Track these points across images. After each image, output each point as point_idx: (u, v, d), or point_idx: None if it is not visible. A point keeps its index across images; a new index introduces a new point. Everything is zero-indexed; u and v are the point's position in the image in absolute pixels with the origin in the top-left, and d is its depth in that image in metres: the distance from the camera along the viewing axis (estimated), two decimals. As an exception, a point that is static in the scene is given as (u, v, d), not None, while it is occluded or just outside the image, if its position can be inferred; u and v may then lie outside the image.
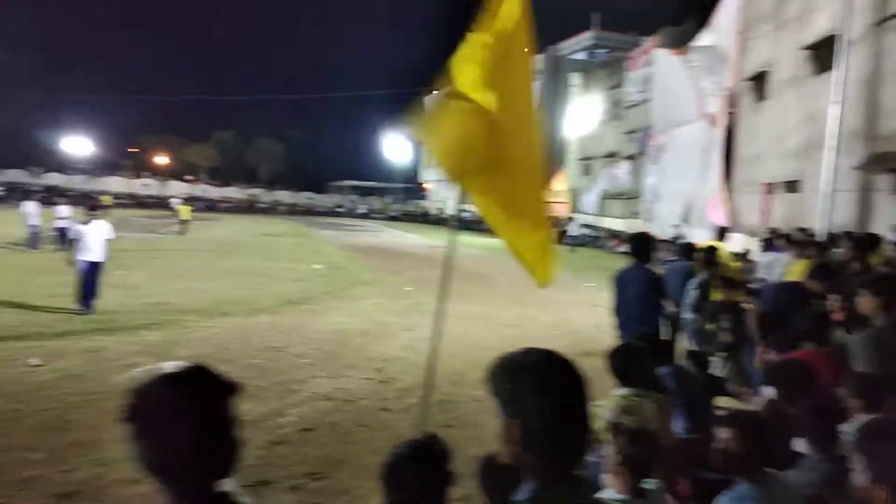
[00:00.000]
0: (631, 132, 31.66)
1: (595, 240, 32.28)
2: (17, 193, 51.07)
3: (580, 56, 43.91)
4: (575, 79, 36.79)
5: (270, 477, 4.26)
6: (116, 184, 57.76)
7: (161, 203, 44.97)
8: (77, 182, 55.69)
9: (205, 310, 9.98)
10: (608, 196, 34.58)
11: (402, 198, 64.20)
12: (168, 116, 67.60)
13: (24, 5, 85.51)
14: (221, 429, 1.16)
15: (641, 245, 5.71)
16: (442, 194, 56.71)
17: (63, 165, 57.63)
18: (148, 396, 1.13)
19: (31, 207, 17.19)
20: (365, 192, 67.55)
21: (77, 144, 55.72)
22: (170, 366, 1.20)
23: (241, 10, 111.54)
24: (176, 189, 58.09)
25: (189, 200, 51.92)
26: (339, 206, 64.00)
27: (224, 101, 61.04)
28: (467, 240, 35.50)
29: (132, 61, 79.09)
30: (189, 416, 1.11)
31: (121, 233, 24.74)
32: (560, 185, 40.72)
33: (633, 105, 31.26)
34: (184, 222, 25.95)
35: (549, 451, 1.27)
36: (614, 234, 30.34)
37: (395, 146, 60.73)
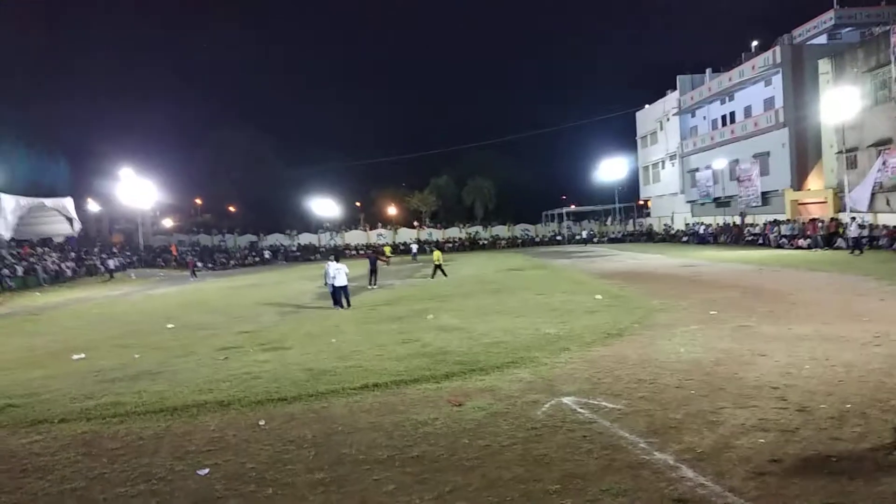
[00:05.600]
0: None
1: (873, 241, 28.60)
2: (280, 255, 59.54)
3: (821, 41, 39.67)
4: (824, 66, 33.23)
5: (791, 510, 4.34)
6: (356, 236, 64.37)
7: (405, 250, 48.97)
8: (325, 239, 63.11)
9: (543, 346, 10.57)
10: (885, 189, 30.28)
11: (621, 218, 62.79)
12: (392, 171, 74.41)
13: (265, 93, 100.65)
14: None
15: None
16: (667, 208, 54.39)
17: (312, 226, 65.70)
18: None
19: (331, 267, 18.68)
20: (579, 217, 67.29)
21: (322, 206, 63.21)
22: None
23: (440, 70, 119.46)
24: (406, 235, 63.07)
25: (420, 244, 56.39)
26: (558, 234, 64.43)
27: (435, 152, 65.74)
28: (712, 254, 33.59)
29: (355, 128, 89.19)
30: None
31: (389, 280, 27.46)
32: (815, 182, 36.84)
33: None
34: (438, 266, 27.30)
35: None
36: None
37: (608, 167, 59.82)
